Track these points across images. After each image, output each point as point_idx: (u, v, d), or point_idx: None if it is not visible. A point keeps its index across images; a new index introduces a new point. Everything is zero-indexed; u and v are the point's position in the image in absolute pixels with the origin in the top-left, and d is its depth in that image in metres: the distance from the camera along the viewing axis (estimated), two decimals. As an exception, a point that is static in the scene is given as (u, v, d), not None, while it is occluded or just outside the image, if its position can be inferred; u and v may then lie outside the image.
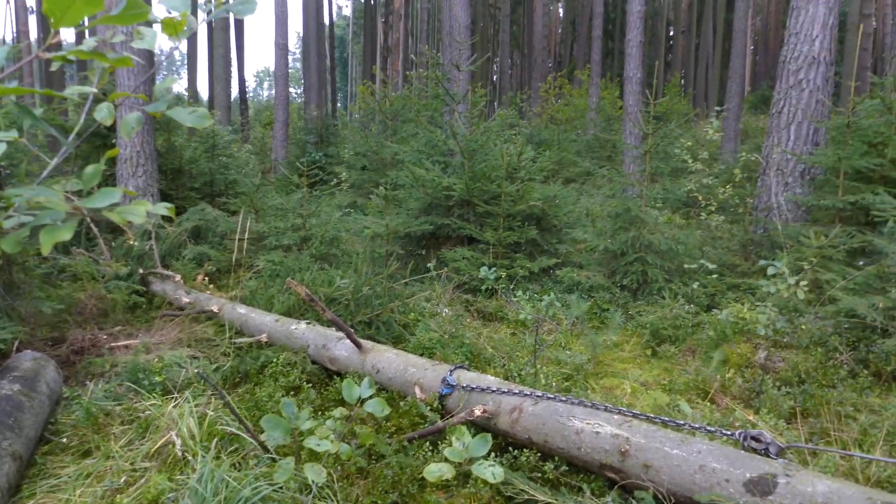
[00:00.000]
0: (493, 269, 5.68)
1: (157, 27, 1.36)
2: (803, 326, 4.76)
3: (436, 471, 2.91)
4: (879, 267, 4.96)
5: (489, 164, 6.76)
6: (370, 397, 3.38)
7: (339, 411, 3.37)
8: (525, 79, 37.78)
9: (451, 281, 6.24)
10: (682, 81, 34.91)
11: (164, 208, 1.30)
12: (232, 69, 24.01)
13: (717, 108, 13.82)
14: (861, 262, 5.79)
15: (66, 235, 1.16)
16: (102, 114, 1.32)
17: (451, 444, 3.30)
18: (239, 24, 28.82)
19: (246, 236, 7.43)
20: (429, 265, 6.22)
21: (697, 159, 8.91)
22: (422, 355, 4.54)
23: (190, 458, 3.27)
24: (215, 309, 5.70)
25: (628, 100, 12.89)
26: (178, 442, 3.35)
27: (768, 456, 2.80)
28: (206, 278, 6.88)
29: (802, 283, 4.47)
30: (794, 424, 3.79)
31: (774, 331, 4.51)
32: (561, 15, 46.16)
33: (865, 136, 6.92)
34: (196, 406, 3.78)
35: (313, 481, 2.84)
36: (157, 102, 1.35)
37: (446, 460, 3.08)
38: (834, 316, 4.86)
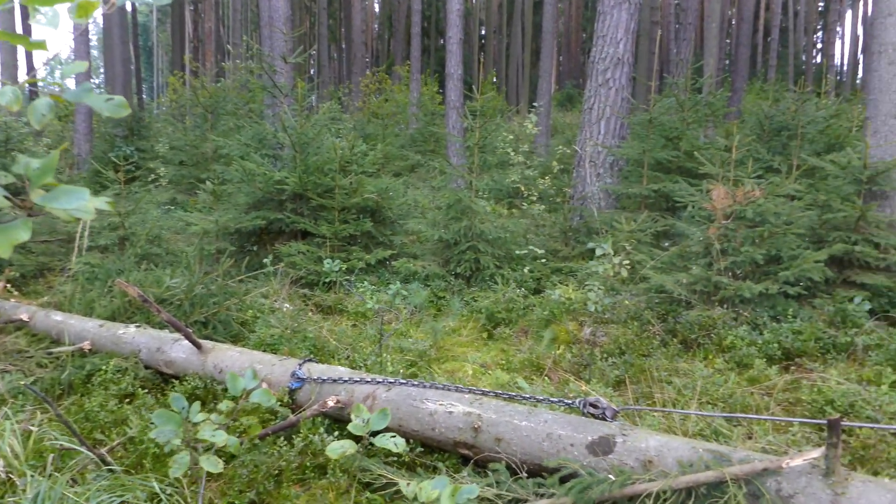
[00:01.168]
0: (337, 262, 5.67)
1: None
2: (625, 302, 5.23)
3: (338, 447, 2.89)
4: (681, 247, 5.56)
5: (322, 157, 6.71)
6: (254, 388, 3.28)
7: (224, 404, 3.24)
8: (344, 73, 37.64)
9: (288, 276, 6.14)
10: (496, 79, 36.50)
11: (103, 202, 1.19)
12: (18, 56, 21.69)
13: (533, 105, 14.68)
14: (666, 244, 6.46)
15: (24, 236, 1.04)
16: (7, 98, 1.19)
17: (305, 438, 3.28)
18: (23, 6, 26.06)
19: (55, 238, 6.82)
20: (264, 261, 6.07)
21: (518, 152, 9.44)
22: (265, 352, 4.44)
23: (17, 479, 2.98)
24: (25, 317, 5.19)
25: (450, 95, 13.31)
26: (1, 463, 3.04)
27: (605, 419, 3.07)
28: (9, 285, 6.22)
29: (624, 262, 4.91)
30: (621, 391, 4.16)
31: (599, 308, 4.91)
32: (377, 10, 46.43)
33: (664, 130, 7.69)
34: (17, 423, 3.45)
35: (167, 484, 2.71)
36: (76, 89, 1.24)
37: (348, 436, 3.06)
38: (646, 293, 5.38)
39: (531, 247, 6.63)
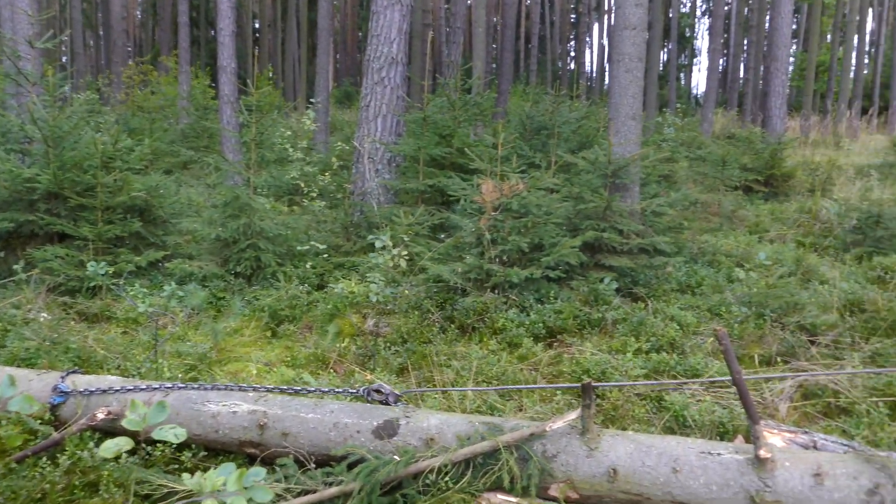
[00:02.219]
0: (102, 265, 5.24)
1: None
2: (406, 292, 5.42)
3: (112, 446, 2.68)
4: (456, 239, 5.88)
5: (80, 152, 6.15)
6: (12, 397, 2.93)
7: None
8: (103, 62, 34.55)
9: (45, 283, 5.57)
10: (272, 74, 35.64)
11: None
12: None
13: (311, 101, 14.56)
14: (442, 236, 6.78)
15: None
16: None
17: (72, 455, 3.03)
18: None
19: None
20: (14, 267, 5.44)
21: (297, 149, 9.36)
22: (19, 367, 4.01)
23: None
24: None
25: (224, 89, 12.80)
26: None
27: (389, 404, 3.19)
28: None
29: (403, 253, 5.09)
30: (404, 378, 4.33)
31: (381, 299, 5.05)
32: (139, -4, 43.15)
33: (437, 128, 8.05)
34: None
35: None
36: None
37: (125, 433, 2.84)
38: (425, 283, 5.63)
39: (313, 243, 6.63)
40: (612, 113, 6.50)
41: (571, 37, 48.76)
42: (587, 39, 45.56)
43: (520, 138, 8.63)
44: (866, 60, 36.73)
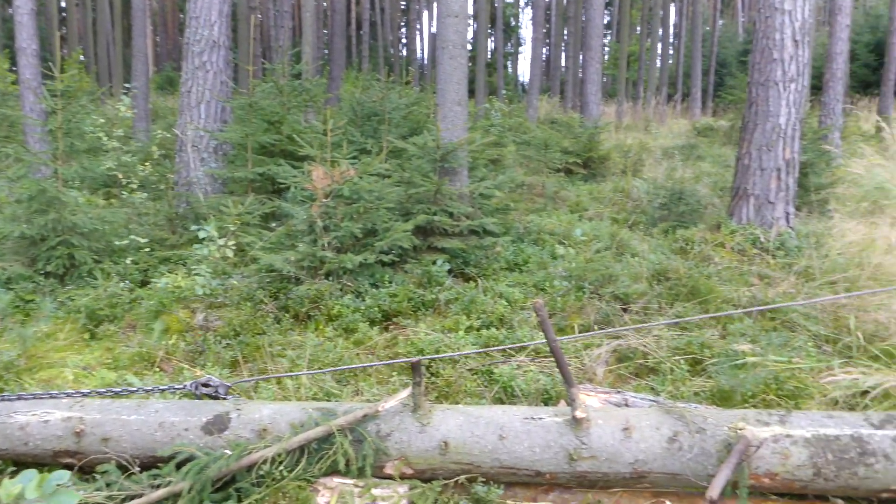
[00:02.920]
0: None
1: None
2: (235, 284, 5.25)
3: None
4: (287, 227, 5.78)
5: None
6: None
7: None
8: None
9: None
10: (83, 57, 32.88)
11: None
12: None
13: (126, 86, 13.60)
14: (273, 225, 6.63)
15: None
16: None
17: None
18: None
19: None
20: None
21: (113, 137, 8.72)
22: None
23: None
24: None
25: (24, 73, 11.64)
26: None
27: (219, 397, 3.10)
28: None
29: (230, 244, 4.92)
30: (237, 371, 4.21)
31: (210, 292, 4.86)
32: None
33: (265, 115, 7.83)
34: None
35: None
36: None
37: None
38: (257, 273, 5.49)
39: (133, 237, 6.24)
40: (439, 99, 6.65)
41: (403, 24, 49.09)
42: (418, 26, 46.06)
43: (351, 124, 8.60)
44: (671, 51, 40.07)
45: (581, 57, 20.59)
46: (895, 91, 20.05)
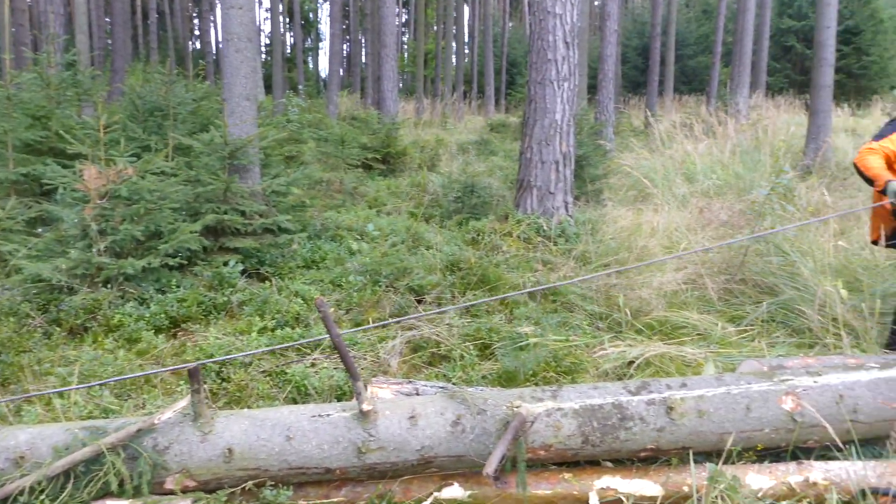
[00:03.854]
0: None
1: None
2: (-10, 297, 4.69)
3: None
4: (57, 232, 5.26)
5: None
6: None
7: None
8: None
9: None
10: None
11: None
12: None
13: None
14: (41, 230, 6.01)
15: None
16: None
17: None
18: None
19: None
20: None
21: None
22: None
23: None
24: None
25: None
26: None
27: (-33, 427, 2.75)
28: None
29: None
30: (-5, 395, 3.77)
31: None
32: None
33: (28, 109, 7.07)
34: None
35: None
36: None
37: None
38: (21, 284, 4.95)
39: None
40: (225, 93, 6.38)
41: (195, 14, 46.58)
42: (211, 18, 43.94)
43: (132, 119, 8.00)
44: (467, 51, 41.69)
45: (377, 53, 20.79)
46: (659, 90, 22.40)
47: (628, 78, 29.44)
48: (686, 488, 2.86)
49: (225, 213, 5.80)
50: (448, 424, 2.78)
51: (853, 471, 2.86)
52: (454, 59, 32.30)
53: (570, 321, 4.77)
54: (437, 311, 4.77)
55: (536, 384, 3.86)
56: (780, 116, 16.64)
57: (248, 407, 3.60)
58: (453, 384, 3.71)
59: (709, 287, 5.16)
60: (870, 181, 4.16)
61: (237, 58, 6.31)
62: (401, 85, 46.38)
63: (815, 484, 2.87)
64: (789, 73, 27.20)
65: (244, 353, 3.75)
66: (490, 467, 2.46)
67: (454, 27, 32.62)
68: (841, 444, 3.01)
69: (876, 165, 4.12)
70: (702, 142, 10.67)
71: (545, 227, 6.71)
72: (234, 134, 6.19)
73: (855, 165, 4.29)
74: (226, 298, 5.00)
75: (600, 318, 4.99)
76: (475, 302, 4.14)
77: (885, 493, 2.59)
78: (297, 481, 2.76)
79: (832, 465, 2.92)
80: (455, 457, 2.78)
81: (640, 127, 18.90)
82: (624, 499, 2.85)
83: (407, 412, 2.81)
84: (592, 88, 17.82)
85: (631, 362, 4.15)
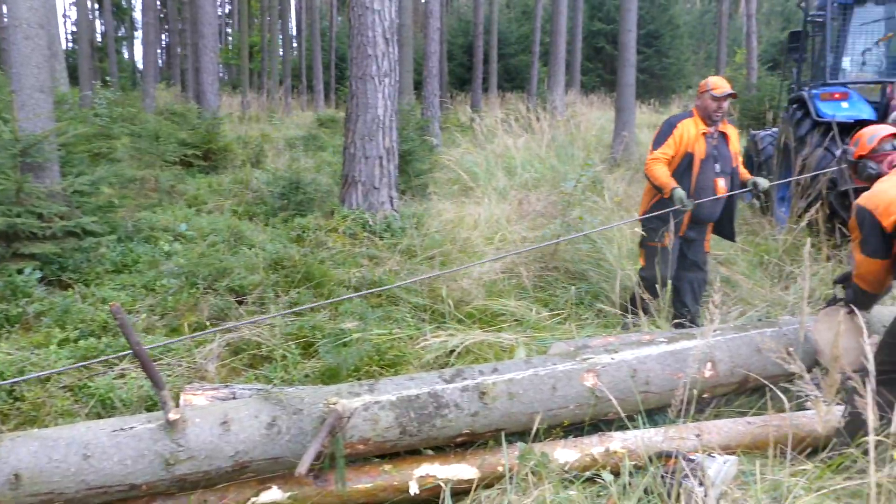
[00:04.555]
0: None
1: None
2: None
3: None
4: None
5: None
6: None
7: None
8: None
9: None
10: None
11: None
12: None
13: None
14: None
15: None
16: None
17: None
18: None
19: None
20: None
21: None
22: None
23: None
24: None
25: None
26: None
27: None
28: None
29: None
30: None
31: None
32: None
33: None
34: None
35: None
36: None
37: None
38: None
39: None
40: (14, 85, 5.79)
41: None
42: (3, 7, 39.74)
43: None
44: (294, 44, 40.82)
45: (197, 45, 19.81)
46: (484, 87, 23.21)
47: (455, 75, 30.19)
48: (500, 468, 2.99)
49: (18, 215, 5.27)
50: (263, 427, 2.71)
51: (646, 438, 3.14)
52: (281, 52, 31.55)
53: (394, 314, 4.82)
54: (274, 314, 4.65)
55: (359, 379, 3.86)
56: (593, 113, 17.85)
57: (46, 426, 3.31)
58: (274, 385, 3.63)
59: (523, 276, 5.43)
60: (660, 188, 4.58)
61: (27, 46, 5.75)
62: (226, 78, 44.57)
63: (614, 453, 3.11)
64: (601, 72, 29.14)
65: (44, 372, 3.44)
66: (302, 467, 2.44)
67: (279, 20, 31.85)
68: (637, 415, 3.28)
69: (661, 174, 4.55)
70: (521, 137, 11.18)
71: (371, 223, 6.74)
72: (26, 129, 5.63)
73: (645, 174, 4.71)
74: (20, 309, 4.56)
75: (424, 309, 5.09)
76: (318, 303, 4.08)
77: (670, 456, 2.85)
78: (98, 502, 2.58)
79: (629, 434, 3.18)
80: (272, 459, 2.72)
81: (466, 122, 19.47)
82: (443, 484, 2.93)
83: (219, 418, 2.71)
84: (420, 84, 18.12)
85: (452, 351, 4.28)
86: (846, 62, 7.00)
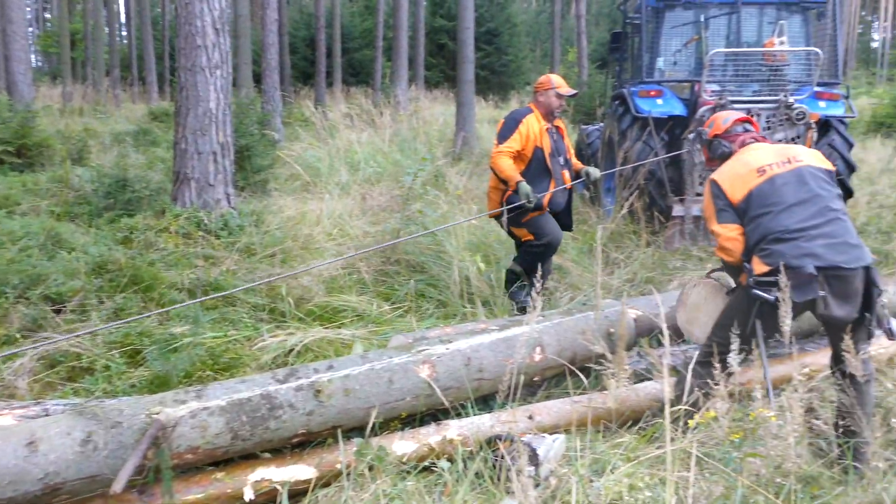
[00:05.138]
0: None
1: None
2: None
3: None
4: None
5: None
6: None
7: None
8: None
9: None
10: None
11: None
12: None
13: None
14: None
15: None
16: None
17: None
18: None
19: None
20: None
21: None
22: None
23: None
24: None
25: None
26: None
27: None
28: None
29: None
30: None
31: None
32: None
33: None
34: None
35: None
36: None
37: None
38: None
39: None
40: None
41: None
42: None
43: None
44: (124, 32, 38.23)
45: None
46: (329, 82, 22.90)
47: (298, 68, 29.52)
48: (339, 465, 2.96)
49: None
50: (77, 444, 2.52)
51: (481, 423, 3.23)
52: (108, 41, 29.45)
53: (230, 316, 4.65)
54: (100, 327, 4.32)
55: (192, 385, 3.69)
56: (436, 107, 18.14)
57: None
58: (96, 399, 3.39)
59: (362, 270, 5.43)
60: (506, 182, 4.74)
61: None
62: (46, 67, 40.91)
63: (451, 441, 3.18)
64: (444, 68, 29.61)
65: None
66: (118, 484, 2.29)
67: (105, 6, 29.71)
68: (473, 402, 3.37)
69: (507, 167, 4.71)
70: (364, 132, 11.15)
71: (206, 221, 6.44)
72: None
73: (491, 167, 4.86)
74: None
75: (263, 309, 4.95)
76: (149, 313, 3.82)
77: (500, 439, 2.96)
78: None
79: (464, 421, 3.27)
80: (88, 478, 2.54)
81: (310, 117, 19.13)
82: (279, 486, 2.86)
83: (25, 438, 2.48)
84: (260, 77, 17.55)
85: (291, 350, 4.19)
86: (660, 62, 7.57)
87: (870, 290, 3.00)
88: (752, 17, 7.32)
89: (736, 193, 3.22)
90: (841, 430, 3.05)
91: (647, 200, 6.58)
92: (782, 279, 2.80)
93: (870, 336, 3.08)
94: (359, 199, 7.62)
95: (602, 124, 8.83)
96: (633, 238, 6.38)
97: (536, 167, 4.79)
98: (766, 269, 3.03)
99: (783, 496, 2.33)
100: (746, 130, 3.54)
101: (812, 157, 3.31)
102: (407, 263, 5.67)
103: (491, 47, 28.87)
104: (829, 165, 3.32)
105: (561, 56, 27.09)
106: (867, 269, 3.00)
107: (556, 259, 5.80)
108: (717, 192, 3.31)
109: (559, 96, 4.79)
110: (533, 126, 4.79)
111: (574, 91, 4.88)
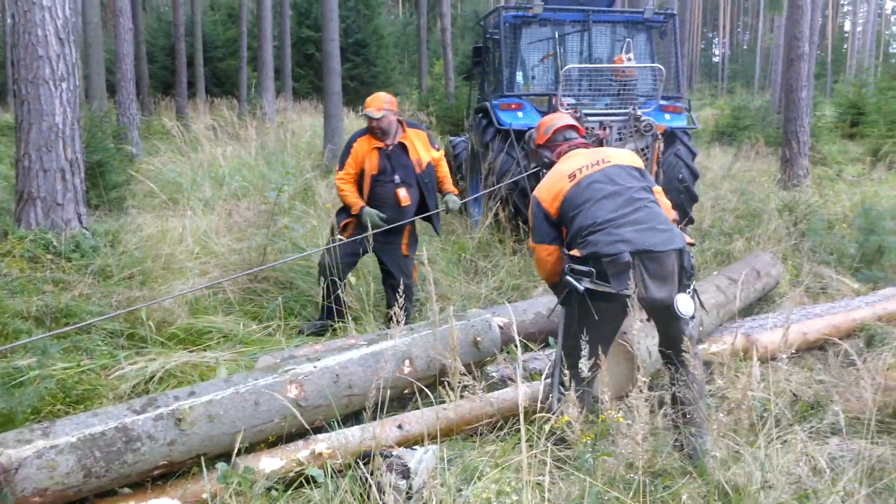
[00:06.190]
0: None
1: None
2: None
3: None
4: None
5: None
6: None
7: None
8: None
9: None
10: None
11: None
12: None
13: None
14: None
15: None
16: None
17: None
18: None
19: None
20: None
21: None
22: None
23: None
24: None
25: None
26: None
27: None
28: None
29: None
30: None
31: None
32: None
33: None
34: None
35: None
36: None
37: None
38: None
39: None
40: None
41: None
42: None
43: None
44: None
45: None
46: (192, 92, 22.03)
47: (158, 78, 28.17)
48: (205, 495, 2.87)
49: None
50: None
51: (349, 435, 3.23)
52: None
53: (83, 344, 4.38)
54: None
55: (39, 422, 3.45)
56: (305, 119, 17.88)
57: None
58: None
59: (227, 290, 5.27)
60: (350, 207, 4.85)
61: None
62: None
63: (320, 454, 3.14)
64: (312, 79, 29.23)
65: None
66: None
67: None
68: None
69: (349, 194, 4.86)
70: (229, 145, 10.82)
71: (55, 243, 6.02)
72: None
73: (338, 194, 4.94)
74: None
75: (121, 335, 4.70)
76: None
77: (370, 455, 2.97)
78: None
79: (333, 435, 3.25)
80: (-83, 533, 2.32)
81: (171, 129, 18.31)
82: (140, 523, 2.74)
83: None
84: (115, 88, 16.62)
85: (153, 377, 4.01)
86: (519, 76, 7.86)
87: (682, 272, 3.13)
88: (603, 35, 7.75)
89: (553, 204, 3.32)
90: (681, 418, 3.24)
91: (511, 210, 6.80)
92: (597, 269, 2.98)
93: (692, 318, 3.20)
94: (224, 215, 7.38)
95: (468, 136, 9.05)
96: (499, 247, 6.58)
97: (360, 188, 4.89)
98: (581, 255, 3.13)
99: (633, 491, 2.49)
100: (566, 139, 3.60)
101: (621, 157, 3.44)
102: (275, 280, 5.56)
103: (359, 58, 28.84)
104: (638, 163, 3.47)
105: (429, 68, 27.43)
106: (680, 251, 3.13)
107: (424, 270, 5.88)
108: (537, 208, 3.40)
109: (368, 118, 4.84)
110: (362, 147, 4.90)
111: (379, 115, 4.77)
